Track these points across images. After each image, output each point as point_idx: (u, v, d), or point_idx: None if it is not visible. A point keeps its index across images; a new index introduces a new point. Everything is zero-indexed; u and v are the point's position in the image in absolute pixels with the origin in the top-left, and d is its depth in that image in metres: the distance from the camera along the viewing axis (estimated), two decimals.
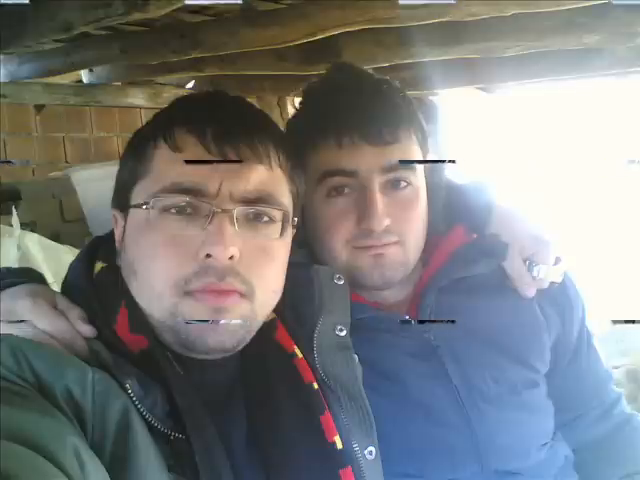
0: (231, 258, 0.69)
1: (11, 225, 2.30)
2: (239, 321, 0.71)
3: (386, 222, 0.91)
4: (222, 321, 0.69)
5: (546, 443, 0.98)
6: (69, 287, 0.77)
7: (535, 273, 0.99)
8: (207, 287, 0.69)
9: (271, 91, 4.06)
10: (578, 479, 1.02)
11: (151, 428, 0.62)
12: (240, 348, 0.74)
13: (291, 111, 4.26)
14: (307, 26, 2.26)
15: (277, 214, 0.76)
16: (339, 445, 0.73)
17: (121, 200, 0.77)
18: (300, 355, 0.78)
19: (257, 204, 0.73)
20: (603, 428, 1.07)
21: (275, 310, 0.80)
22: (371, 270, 0.94)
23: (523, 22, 2.38)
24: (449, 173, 1.09)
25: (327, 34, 2.30)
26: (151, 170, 0.74)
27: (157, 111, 0.81)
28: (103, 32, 2.75)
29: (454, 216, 1.05)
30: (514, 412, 0.95)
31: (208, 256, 0.69)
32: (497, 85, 4.20)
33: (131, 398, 0.61)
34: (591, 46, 2.55)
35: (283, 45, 2.44)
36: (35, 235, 2.36)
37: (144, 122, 0.82)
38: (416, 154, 0.97)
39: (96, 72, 3.60)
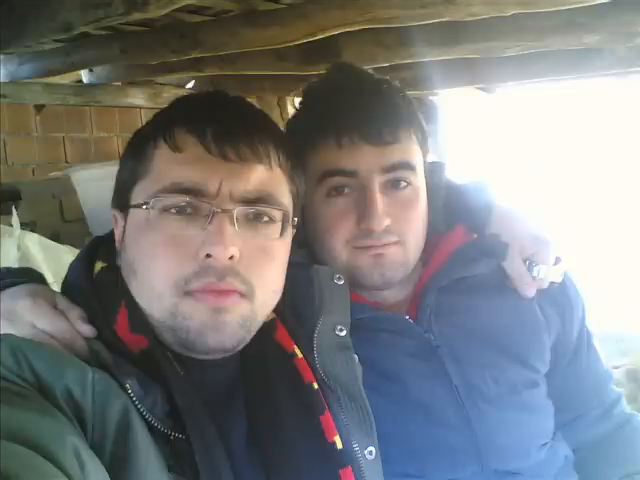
0: (231, 258, 0.69)
1: (11, 225, 2.29)
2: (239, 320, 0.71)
3: (386, 222, 0.91)
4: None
5: (546, 443, 0.98)
6: (69, 287, 0.77)
7: (535, 273, 0.99)
8: (207, 287, 0.69)
9: (271, 91, 4.06)
10: (578, 479, 1.02)
11: (151, 428, 0.62)
12: (240, 348, 0.74)
13: (291, 111, 4.26)
14: (307, 26, 2.26)
15: (277, 214, 0.76)
16: (339, 445, 0.73)
17: (121, 200, 0.77)
18: (300, 355, 0.79)
19: (257, 204, 0.73)
20: (603, 428, 1.07)
21: (275, 310, 0.80)
22: (371, 270, 0.94)
23: (523, 22, 2.38)
24: (449, 173, 1.09)
25: (327, 34, 2.30)
26: (151, 170, 0.74)
27: (157, 111, 0.81)
28: (103, 32, 2.75)
29: (454, 216, 1.05)
30: (514, 412, 0.94)
31: (208, 256, 0.69)
32: (497, 85, 4.20)
33: (131, 398, 0.61)
34: (591, 46, 2.55)
35: (283, 45, 2.44)
36: (35, 235, 2.35)
37: (144, 122, 0.82)
38: (416, 154, 0.97)
39: (96, 72, 3.60)
